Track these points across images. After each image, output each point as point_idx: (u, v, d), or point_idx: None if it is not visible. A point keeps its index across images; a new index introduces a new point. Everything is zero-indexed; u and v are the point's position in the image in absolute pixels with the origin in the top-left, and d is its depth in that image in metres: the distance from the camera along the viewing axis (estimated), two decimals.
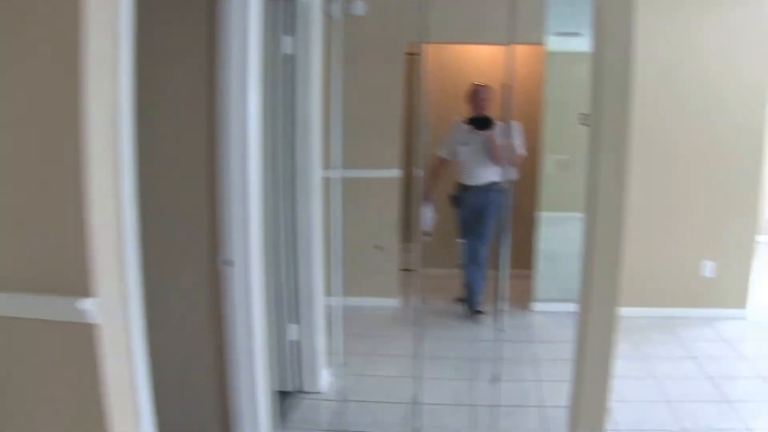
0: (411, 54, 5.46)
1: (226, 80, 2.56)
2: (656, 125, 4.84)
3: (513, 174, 4.71)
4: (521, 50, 5.44)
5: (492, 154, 4.66)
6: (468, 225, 4.95)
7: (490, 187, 4.74)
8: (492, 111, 4.67)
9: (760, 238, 5.20)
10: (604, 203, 2.60)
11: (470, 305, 4.99)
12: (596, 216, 2.60)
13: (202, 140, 2.65)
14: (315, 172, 3.52)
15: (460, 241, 5.06)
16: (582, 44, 2.61)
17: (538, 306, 5.23)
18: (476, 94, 4.75)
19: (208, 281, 2.73)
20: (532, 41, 4.94)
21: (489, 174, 4.75)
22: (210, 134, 2.62)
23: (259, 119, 2.65)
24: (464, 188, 4.90)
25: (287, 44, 3.38)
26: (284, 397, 3.52)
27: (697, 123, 4.89)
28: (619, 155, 2.57)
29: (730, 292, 5.10)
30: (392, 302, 5.22)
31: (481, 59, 5.70)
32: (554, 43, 4.92)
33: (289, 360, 3.63)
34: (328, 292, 3.80)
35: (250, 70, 2.56)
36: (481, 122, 4.67)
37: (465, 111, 4.79)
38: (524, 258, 5.22)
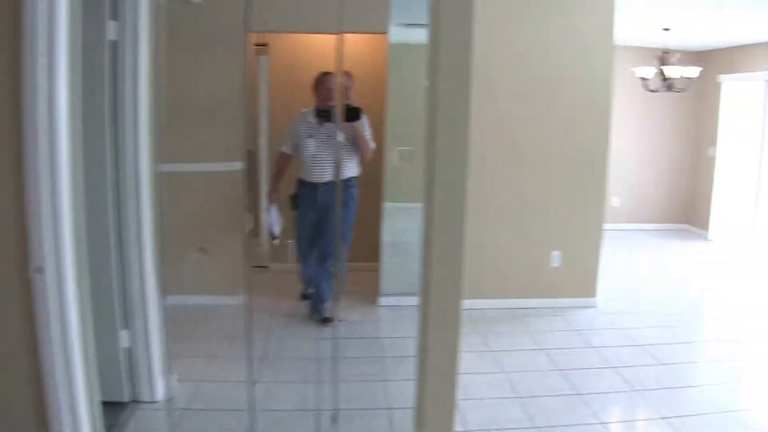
0: (258, 45, 5.32)
1: (31, 67, 2.31)
2: (506, 118, 4.95)
3: (356, 170, 4.63)
4: (368, 40, 5.43)
5: (361, 145, 4.48)
6: (312, 226, 4.67)
7: (336, 184, 4.49)
8: (340, 102, 4.46)
9: (606, 226, 5.39)
10: (442, 194, 2.55)
11: (317, 312, 4.76)
12: (434, 207, 2.54)
13: (5, 136, 2.39)
14: (144, 167, 3.29)
15: (294, 241, 4.90)
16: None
17: (384, 300, 5.14)
18: (324, 82, 4.50)
19: (20, 290, 2.48)
20: (376, 31, 4.89)
21: (335, 170, 4.49)
22: (15, 129, 2.37)
23: (70, 111, 2.42)
24: (308, 186, 4.60)
25: (111, 30, 3.13)
26: (119, 409, 3.32)
27: (545, 115, 5.03)
28: (457, 146, 2.51)
29: (579, 282, 5.25)
30: (235, 300, 4.87)
31: (329, 50, 5.59)
32: (400, 34, 4.85)
33: (123, 368, 3.39)
34: (166, 295, 3.58)
35: (58, 56, 2.33)
36: (329, 114, 4.43)
37: (311, 102, 4.58)
38: (372, 251, 5.20)
